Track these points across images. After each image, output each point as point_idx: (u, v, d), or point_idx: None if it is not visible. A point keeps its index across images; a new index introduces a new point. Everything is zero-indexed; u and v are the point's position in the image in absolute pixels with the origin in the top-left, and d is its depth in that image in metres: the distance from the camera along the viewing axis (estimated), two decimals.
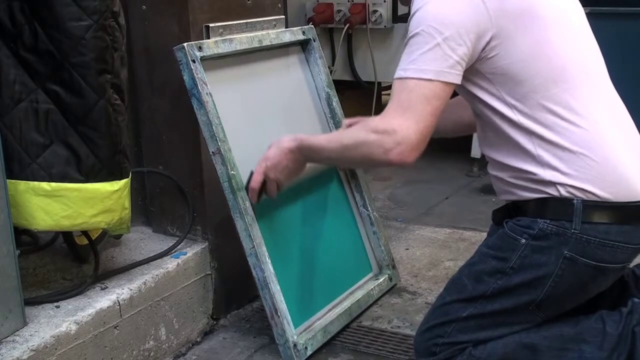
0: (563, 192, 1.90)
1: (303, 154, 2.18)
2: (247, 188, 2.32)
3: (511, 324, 2.02)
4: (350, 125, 2.45)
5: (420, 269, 3.05)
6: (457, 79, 1.89)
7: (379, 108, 4.51)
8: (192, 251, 2.52)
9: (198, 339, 2.54)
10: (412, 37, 1.91)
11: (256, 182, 2.26)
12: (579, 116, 1.90)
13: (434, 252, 3.23)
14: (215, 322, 2.62)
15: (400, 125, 1.87)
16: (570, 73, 1.92)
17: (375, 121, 1.95)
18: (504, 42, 1.89)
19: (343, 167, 2.71)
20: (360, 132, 1.98)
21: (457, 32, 1.86)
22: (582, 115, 1.91)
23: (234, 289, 2.66)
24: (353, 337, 2.54)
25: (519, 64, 1.89)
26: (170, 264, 2.43)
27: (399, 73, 1.91)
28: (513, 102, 1.91)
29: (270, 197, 2.31)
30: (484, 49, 1.89)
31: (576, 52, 1.97)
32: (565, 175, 1.89)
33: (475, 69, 1.94)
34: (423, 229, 3.50)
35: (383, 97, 4.98)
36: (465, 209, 3.75)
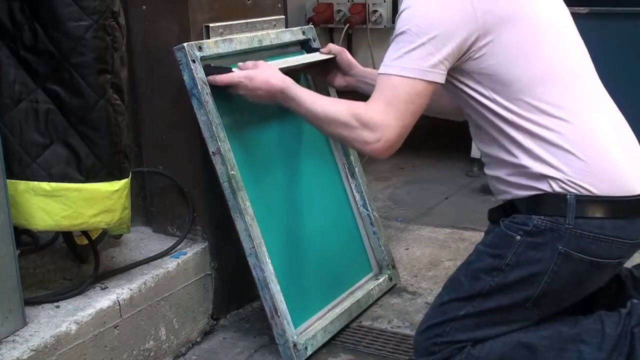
0: (556, 187, 1.91)
1: (284, 98, 2.19)
2: (210, 70, 2.32)
3: (509, 322, 2.02)
4: (332, 52, 2.54)
5: (420, 269, 3.06)
6: (441, 79, 1.94)
7: None
8: (192, 251, 2.52)
9: (198, 339, 2.54)
10: (399, 34, 1.95)
11: (223, 81, 2.29)
12: (568, 113, 1.92)
13: (434, 252, 3.23)
14: (215, 322, 2.62)
15: (383, 121, 1.93)
16: (556, 74, 1.95)
17: (360, 107, 1.99)
18: (489, 43, 1.91)
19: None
20: (344, 112, 2.01)
21: (444, 33, 1.89)
22: (571, 112, 1.92)
23: (234, 289, 2.66)
24: (353, 337, 2.54)
25: (504, 65, 1.92)
26: (170, 264, 2.43)
27: (383, 68, 1.96)
28: (501, 100, 1.94)
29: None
30: (469, 49, 1.92)
31: (563, 54, 1.99)
32: (556, 170, 1.91)
33: (462, 70, 1.97)
34: (423, 229, 3.50)
35: None
36: (465, 209, 3.75)
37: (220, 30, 2.46)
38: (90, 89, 2.00)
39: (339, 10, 4.33)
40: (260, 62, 2.31)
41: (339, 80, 2.55)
